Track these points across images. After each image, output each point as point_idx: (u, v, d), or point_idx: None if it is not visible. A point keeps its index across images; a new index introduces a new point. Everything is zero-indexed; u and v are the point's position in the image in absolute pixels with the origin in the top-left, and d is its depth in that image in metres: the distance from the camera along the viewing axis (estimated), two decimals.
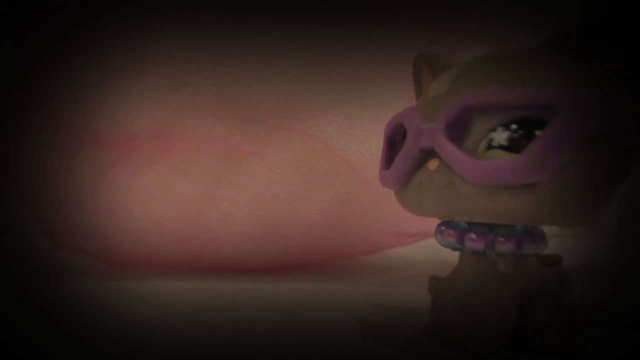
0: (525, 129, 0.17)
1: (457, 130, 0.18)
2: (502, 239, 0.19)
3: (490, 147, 0.17)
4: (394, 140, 0.22)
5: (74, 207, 0.33)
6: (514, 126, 0.17)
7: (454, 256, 0.22)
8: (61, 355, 0.21)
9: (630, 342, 0.22)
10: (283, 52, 0.31)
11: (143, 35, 0.31)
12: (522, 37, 0.31)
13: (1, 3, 0.31)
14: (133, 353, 0.21)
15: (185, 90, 0.31)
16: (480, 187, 0.17)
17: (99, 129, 0.31)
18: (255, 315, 0.26)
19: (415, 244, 0.38)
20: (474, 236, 0.19)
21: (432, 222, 0.37)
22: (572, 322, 0.20)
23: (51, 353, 0.21)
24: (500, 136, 0.17)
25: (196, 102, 0.31)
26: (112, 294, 0.30)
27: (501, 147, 0.17)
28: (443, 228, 0.21)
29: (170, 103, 0.31)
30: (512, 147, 0.17)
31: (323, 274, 0.36)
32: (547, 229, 0.20)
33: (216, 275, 0.34)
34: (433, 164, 0.18)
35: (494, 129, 0.17)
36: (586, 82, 0.17)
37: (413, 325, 0.24)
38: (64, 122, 0.31)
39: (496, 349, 0.19)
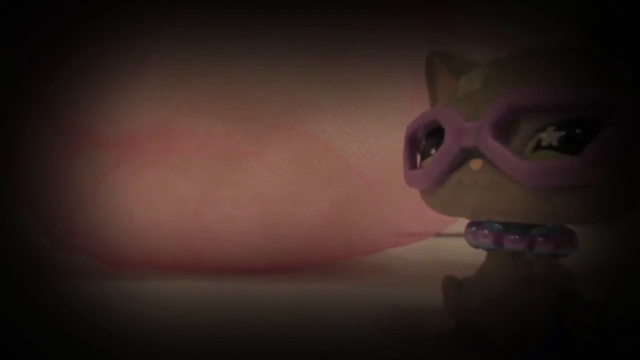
0: (578, 129, 0.16)
1: (503, 130, 0.17)
2: (541, 240, 0.19)
3: (538, 147, 0.17)
4: (416, 140, 0.21)
5: (74, 207, 0.33)
6: (566, 126, 0.16)
7: (454, 256, 0.22)
8: (61, 355, 0.21)
9: (630, 342, 0.22)
10: (283, 52, 0.31)
11: (143, 35, 0.31)
12: (522, 37, 0.31)
13: (1, 3, 0.31)
14: (133, 353, 0.21)
15: (185, 90, 0.31)
16: (529, 188, 0.17)
17: (99, 129, 0.31)
18: (255, 315, 0.26)
19: (415, 244, 0.38)
20: (514, 237, 0.19)
21: (432, 223, 0.37)
22: (599, 320, 0.20)
23: (51, 353, 0.21)
24: (551, 136, 0.17)
25: (196, 102, 0.31)
26: (112, 294, 0.30)
27: (551, 148, 0.17)
28: (474, 229, 0.20)
29: (170, 103, 0.31)
30: (564, 147, 0.16)
31: (323, 274, 0.36)
32: None
33: (216, 275, 0.34)
34: (476, 164, 0.18)
35: (543, 129, 0.17)
36: (633, 81, 0.17)
37: (413, 325, 0.24)
38: (64, 122, 0.31)
39: (531, 349, 0.19)
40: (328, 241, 0.35)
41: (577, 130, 0.16)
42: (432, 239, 0.39)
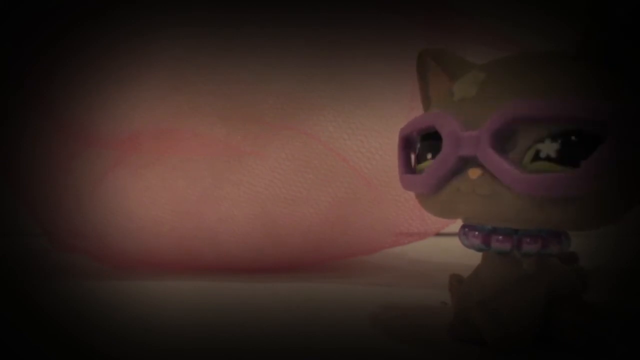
0: (576, 141, 0.16)
1: (502, 140, 0.18)
2: (528, 240, 0.19)
3: (536, 157, 0.17)
4: (410, 142, 0.22)
5: (74, 207, 0.33)
6: (563, 139, 0.17)
7: (454, 256, 0.22)
8: (61, 355, 0.21)
9: (630, 342, 0.22)
10: (283, 52, 0.31)
11: (143, 35, 0.31)
12: (522, 37, 0.31)
13: (1, 3, 0.31)
14: (133, 353, 0.21)
15: (185, 90, 0.31)
16: (527, 198, 0.17)
17: (99, 129, 0.31)
18: (256, 315, 0.26)
19: (414, 243, 0.38)
20: (500, 237, 0.19)
21: (432, 222, 0.37)
22: (594, 319, 0.20)
23: (51, 353, 0.21)
24: (549, 148, 0.17)
25: (196, 102, 0.31)
26: (112, 294, 0.30)
27: (549, 159, 0.17)
28: (467, 230, 0.20)
29: (170, 103, 0.31)
30: (562, 159, 0.17)
31: (323, 274, 0.36)
32: None
33: (216, 275, 0.34)
34: (474, 173, 0.18)
35: (541, 140, 0.17)
36: (630, 93, 0.17)
37: (413, 324, 0.24)
38: (64, 122, 0.31)
39: (522, 346, 0.20)
40: (328, 241, 0.35)
41: (575, 143, 0.16)
42: (432, 239, 0.39)
